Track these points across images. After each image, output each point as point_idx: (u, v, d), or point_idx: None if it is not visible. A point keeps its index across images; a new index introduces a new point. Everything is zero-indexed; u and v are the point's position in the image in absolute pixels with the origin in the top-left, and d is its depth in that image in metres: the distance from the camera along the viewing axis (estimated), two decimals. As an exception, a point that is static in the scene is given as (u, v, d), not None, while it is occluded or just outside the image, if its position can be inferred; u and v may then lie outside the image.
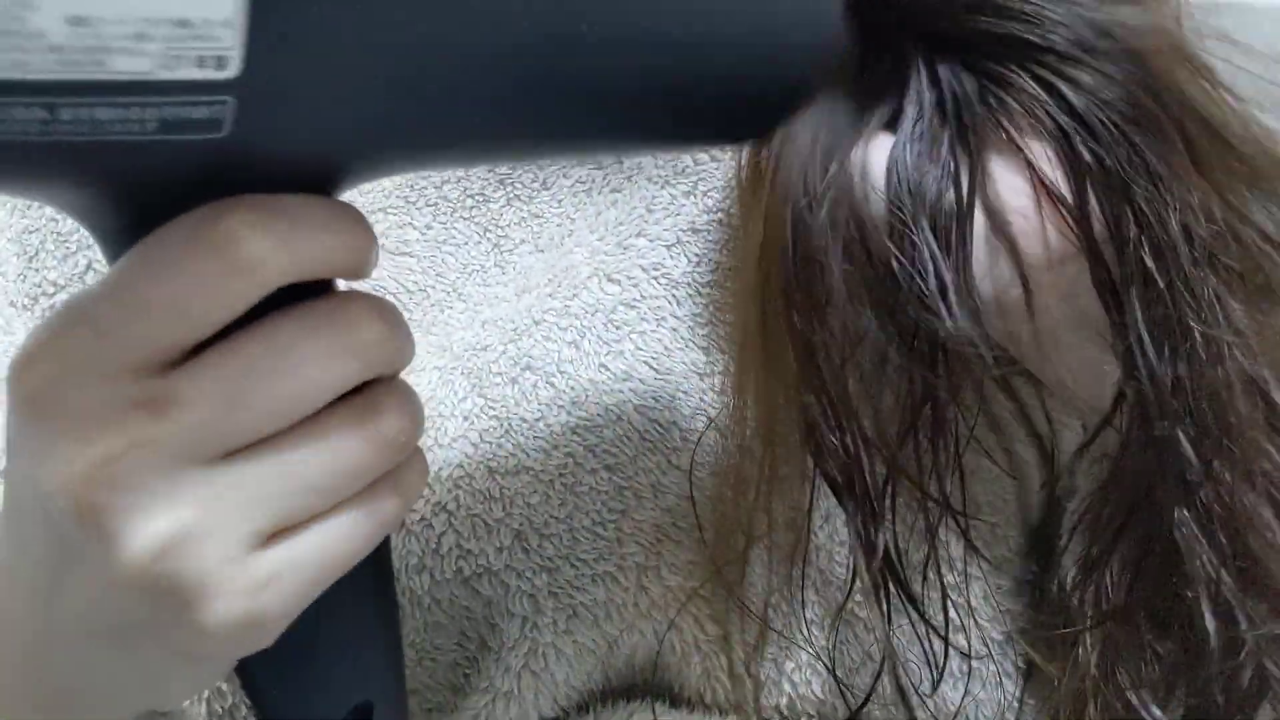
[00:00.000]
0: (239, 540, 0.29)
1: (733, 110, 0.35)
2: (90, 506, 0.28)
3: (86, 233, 0.49)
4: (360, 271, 0.32)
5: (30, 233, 0.51)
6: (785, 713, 0.46)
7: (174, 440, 0.29)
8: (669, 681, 0.46)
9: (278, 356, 0.29)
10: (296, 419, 0.30)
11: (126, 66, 0.24)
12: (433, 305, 0.49)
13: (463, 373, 0.47)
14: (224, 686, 0.46)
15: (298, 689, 0.36)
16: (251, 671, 0.35)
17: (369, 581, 0.36)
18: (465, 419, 0.46)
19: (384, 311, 0.32)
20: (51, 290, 0.50)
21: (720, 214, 0.48)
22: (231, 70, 0.25)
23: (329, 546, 0.31)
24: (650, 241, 0.48)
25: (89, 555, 0.29)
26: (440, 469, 0.46)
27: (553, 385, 0.47)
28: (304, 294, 0.30)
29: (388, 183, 0.50)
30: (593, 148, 0.38)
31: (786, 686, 0.46)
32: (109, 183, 0.28)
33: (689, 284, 0.48)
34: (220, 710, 0.46)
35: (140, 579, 0.29)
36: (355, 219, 0.31)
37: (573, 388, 0.47)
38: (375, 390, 0.32)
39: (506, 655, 0.45)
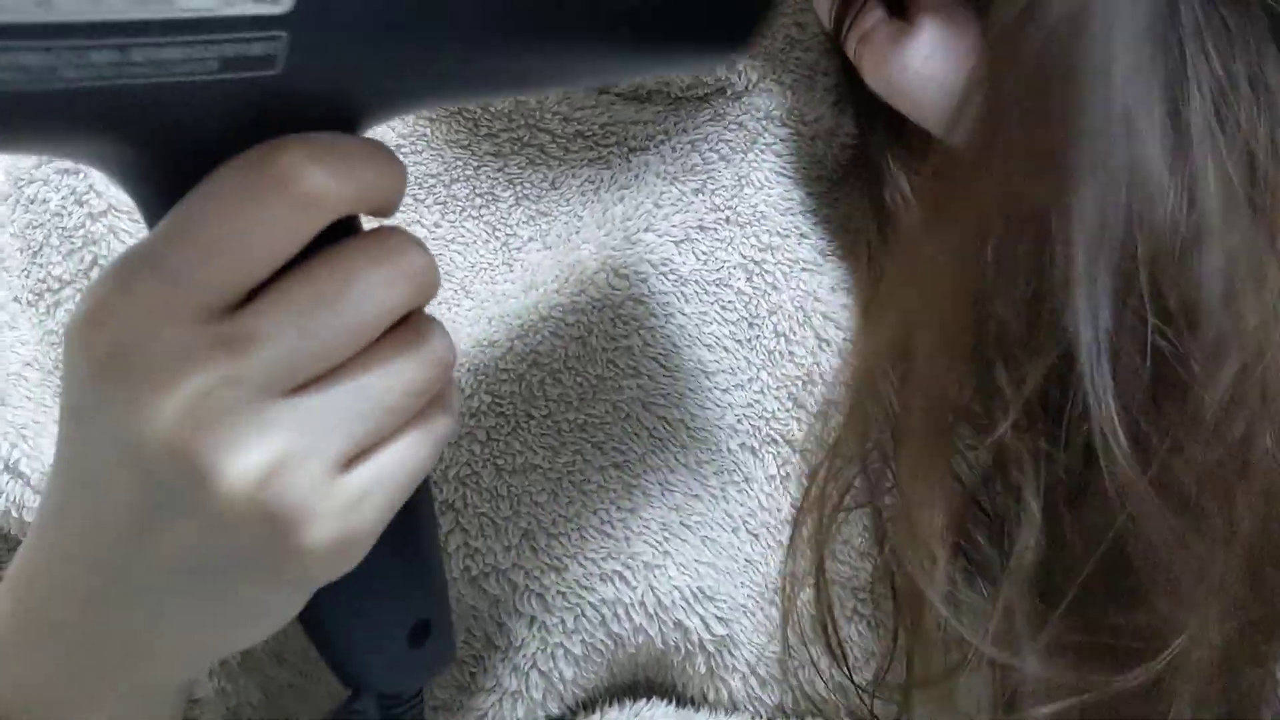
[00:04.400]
0: (328, 464, 0.31)
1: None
2: (187, 447, 0.29)
3: (90, 229, 0.49)
4: (393, 206, 0.33)
5: (34, 228, 0.50)
6: (789, 710, 0.46)
7: (256, 375, 0.30)
8: (672, 680, 0.46)
9: (342, 286, 0.31)
10: (361, 346, 0.31)
11: (193, 4, 0.25)
12: (440, 303, 0.48)
13: (469, 369, 0.47)
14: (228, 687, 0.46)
15: (365, 611, 0.37)
16: (321, 603, 0.36)
17: (417, 504, 0.37)
18: (472, 416, 0.46)
19: (420, 241, 0.33)
20: (56, 286, 0.49)
21: (728, 213, 0.48)
22: (285, 4, 0.26)
23: (403, 463, 0.33)
24: (658, 237, 0.48)
25: (189, 497, 0.30)
26: (447, 467, 0.45)
27: (560, 382, 0.46)
28: (338, 235, 0.32)
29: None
30: (589, 56, 0.39)
31: (791, 683, 0.45)
32: (167, 129, 0.29)
33: (697, 282, 0.47)
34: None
35: (245, 510, 0.30)
36: (389, 153, 0.33)
37: (580, 384, 0.46)
38: (416, 318, 0.33)
39: (514, 655, 0.45)
